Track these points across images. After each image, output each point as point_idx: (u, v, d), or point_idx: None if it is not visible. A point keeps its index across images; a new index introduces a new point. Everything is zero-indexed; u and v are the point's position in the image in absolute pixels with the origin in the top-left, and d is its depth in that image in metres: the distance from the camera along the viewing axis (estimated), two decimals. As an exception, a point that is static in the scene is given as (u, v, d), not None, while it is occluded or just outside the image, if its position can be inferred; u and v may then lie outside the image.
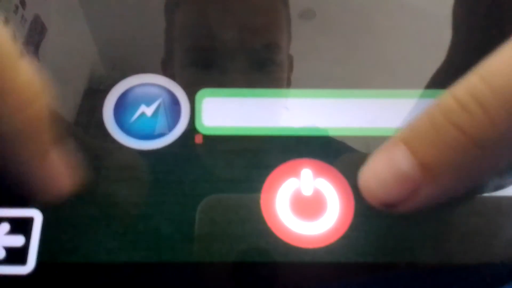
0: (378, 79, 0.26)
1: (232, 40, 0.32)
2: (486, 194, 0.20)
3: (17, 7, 0.48)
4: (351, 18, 0.31)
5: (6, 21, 0.41)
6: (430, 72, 0.25)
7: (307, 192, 0.21)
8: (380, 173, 0.18)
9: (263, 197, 0.20)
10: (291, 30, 0.36)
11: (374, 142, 0.22)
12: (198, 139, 0.23)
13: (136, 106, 0.24)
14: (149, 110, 0.24)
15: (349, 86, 0.26)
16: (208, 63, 0.33)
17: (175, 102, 0.25)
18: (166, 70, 0.38)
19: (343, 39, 0.31)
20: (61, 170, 0.18)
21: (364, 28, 0.30)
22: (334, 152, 0.22)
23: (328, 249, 0.19)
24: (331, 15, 0.33)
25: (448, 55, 0.25)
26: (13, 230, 0.18)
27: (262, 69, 0.34)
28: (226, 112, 0.24)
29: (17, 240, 0.18)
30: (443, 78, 0.25)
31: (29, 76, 0.16)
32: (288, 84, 0.37)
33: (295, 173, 0.21)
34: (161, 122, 0.23)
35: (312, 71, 0.30)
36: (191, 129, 0.23)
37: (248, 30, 0.33)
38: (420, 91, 0.24)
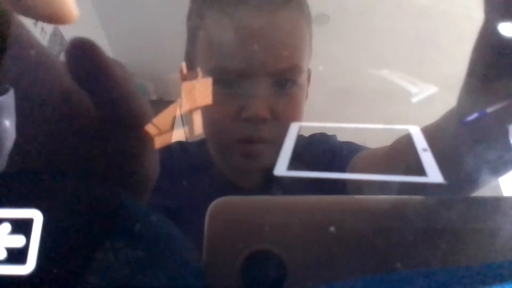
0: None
1: (255, 62, 0.32)
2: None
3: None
4: (361, 21, 0.31)
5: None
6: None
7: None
8: None
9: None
10: (312, 46, 0.36)
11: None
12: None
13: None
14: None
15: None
16: (230, 83, 0.33)
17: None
18: (186, 78, 0.38)
19: (357, 43, 0.31)
20: None
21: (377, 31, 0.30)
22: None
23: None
24: (345, 19, 0.33)
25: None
26: (14, 231, 0.18)
27: (284, 90, 0.34)
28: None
29: (18, 241, 0.18)
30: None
31: None
32: (305, 98, 0.37)
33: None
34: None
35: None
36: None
37: (272, 53, 0.33)
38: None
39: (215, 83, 0.34)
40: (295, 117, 0.35)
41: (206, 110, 0.36)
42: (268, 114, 0.33)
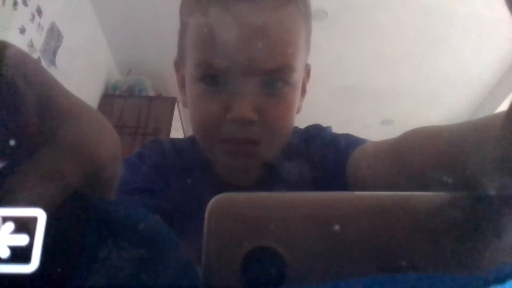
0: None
1: (243, 60, 0.31)
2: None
3: (33, 16, 0.50)
4: (363, 18, 0.30)
5: (23, 29, 0.42)
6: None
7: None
8: None
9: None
10: (310, 43, 0.35)
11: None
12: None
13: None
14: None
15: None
16: (217, 80, 0.32)
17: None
18: (179, 70, 0.38)
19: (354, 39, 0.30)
20: None
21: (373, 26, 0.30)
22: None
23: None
24: (344, 15, 0.32)
25: None
26: (18, 229, 0.18)
27: (273, 90, 0.33)
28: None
29: (22, 239, 0.18)
30: None
31: None
32: (303, 94, 0.36)
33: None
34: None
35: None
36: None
37: (262, 51, 0.31)
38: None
39: (202, 79, 0.33)
40: (285, 118, 0.34)
41: (193, 107, 0.35)
42: (255, 115, 0.32)
